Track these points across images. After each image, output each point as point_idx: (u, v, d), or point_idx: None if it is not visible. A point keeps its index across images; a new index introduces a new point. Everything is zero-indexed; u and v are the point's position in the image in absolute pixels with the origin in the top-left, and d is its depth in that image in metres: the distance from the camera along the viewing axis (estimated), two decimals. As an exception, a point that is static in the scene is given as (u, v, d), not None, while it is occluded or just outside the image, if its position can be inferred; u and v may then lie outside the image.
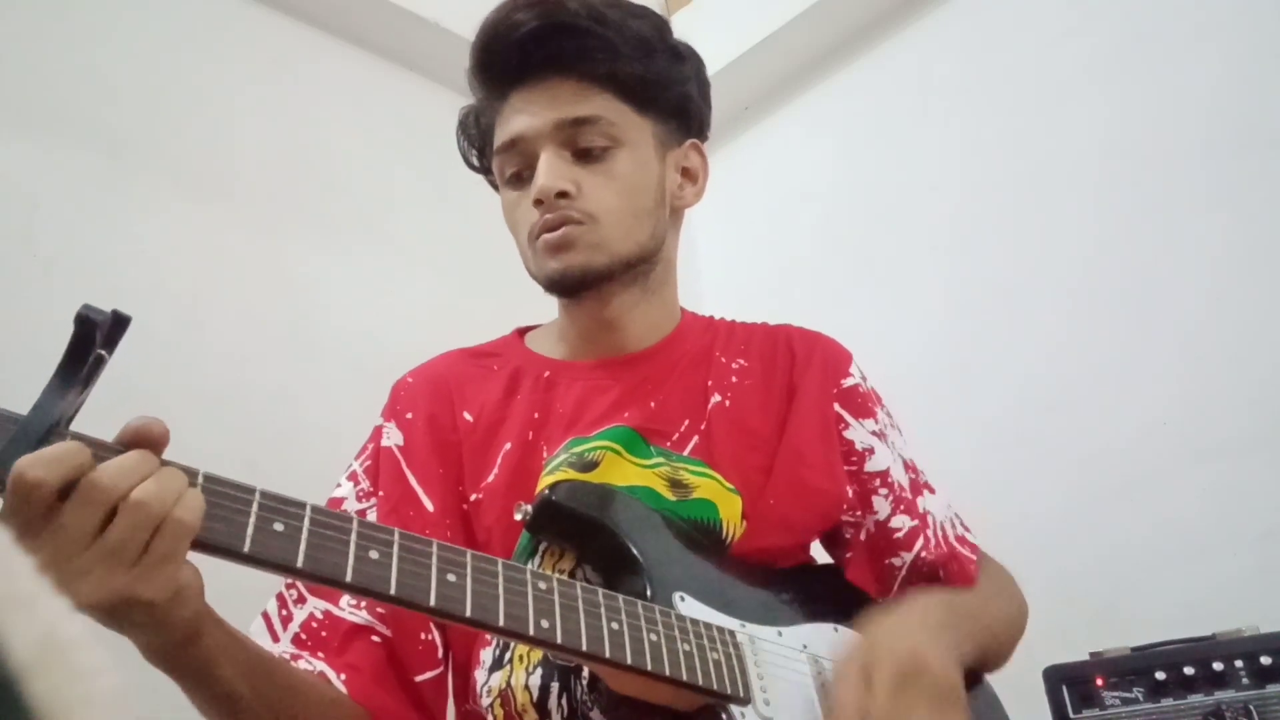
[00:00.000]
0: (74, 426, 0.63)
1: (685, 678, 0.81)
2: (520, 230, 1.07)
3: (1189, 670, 1.10)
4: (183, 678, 0.75)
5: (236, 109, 2.07)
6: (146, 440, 0.65)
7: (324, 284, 2.07)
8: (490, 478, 1.01)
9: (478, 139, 1.14)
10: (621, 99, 1.06)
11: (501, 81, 1.07)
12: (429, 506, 0.99)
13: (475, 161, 1.16)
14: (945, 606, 1.00)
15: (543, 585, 0.77)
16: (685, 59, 1.12)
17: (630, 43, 1.05)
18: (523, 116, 1.04)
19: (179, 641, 0.70)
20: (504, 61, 1.06)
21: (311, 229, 2.10)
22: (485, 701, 0.94)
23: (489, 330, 1.19)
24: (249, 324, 1.91)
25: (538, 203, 1.02)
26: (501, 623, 0.73)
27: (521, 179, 1.06)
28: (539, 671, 0.92)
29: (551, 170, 1.02)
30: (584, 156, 1.04)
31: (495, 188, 1.16)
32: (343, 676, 0.90)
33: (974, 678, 1.07)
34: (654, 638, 0.81)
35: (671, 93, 1.10)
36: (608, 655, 0.77)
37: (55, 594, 0.59)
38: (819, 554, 1.14)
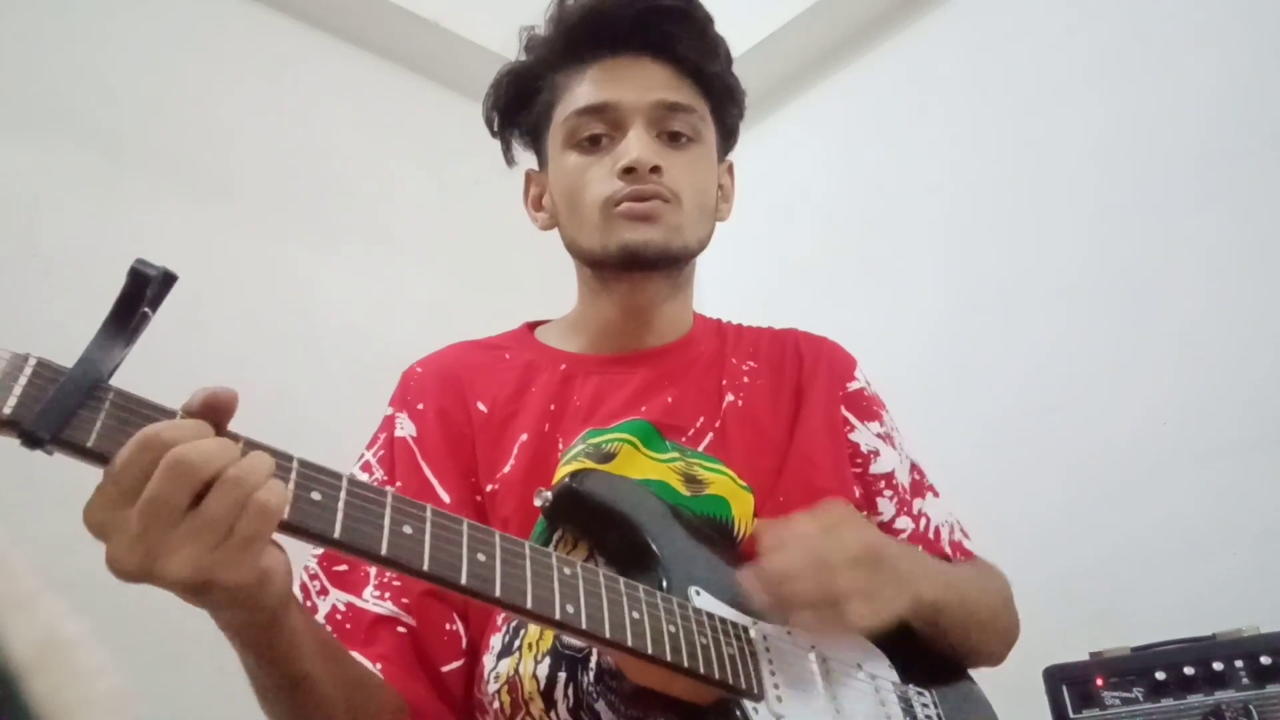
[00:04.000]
0: (115, 381, 0.63)
1: (703, 670, 0.81)
2: (588, 194, 1.05)
3: (1189, 670, 1.10)
4: (259, 658, 0.74)
5: (236, 109, 2.07)
6: (216, 406, 0.65)
7: (324, 284, 2.08)
8: (506, 469, 1.01)
9: (513, 101, 1.14)
10: (705, 99, 1.11)
11: (594, 46, 1.08)
12: (445, 498, 0.99)
13: (498, 124, 1.16)
14: (909, 546, 1.02)
15: (567, 570, 0.77)
16: (740, 86, 1.17)
17: (722, 51, 1.12)
18: (619, 86, 1.06)
19: (263, 623, 0.70)
20: (611, 28, 1.07)
21: (311, 229, 2.10)
22: (491, 688, 0.94)
23: (488, 329, 1.19)
24: (249, 324, 1.91)
25: (628, 171, 1.02)
26: (529, 605, 0.73)
27: (598, 144, 1.06)
28: (547, 660, 0.91)
29: (647, 145, 1.04)
30: (669, 142, 1.07)
31: (508, 160, 1.16)
32: (378, 666, 0.90)
33: (964, 676, 1.06)
34: (672, 629, 0.81)
35: (734, 110, 1.16)
36: (629, 644, 0.77)
37: (141, 575, 0.59)
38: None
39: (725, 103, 1.14)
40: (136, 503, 0.60)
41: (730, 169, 1.20)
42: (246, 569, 0.63)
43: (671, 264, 1.07)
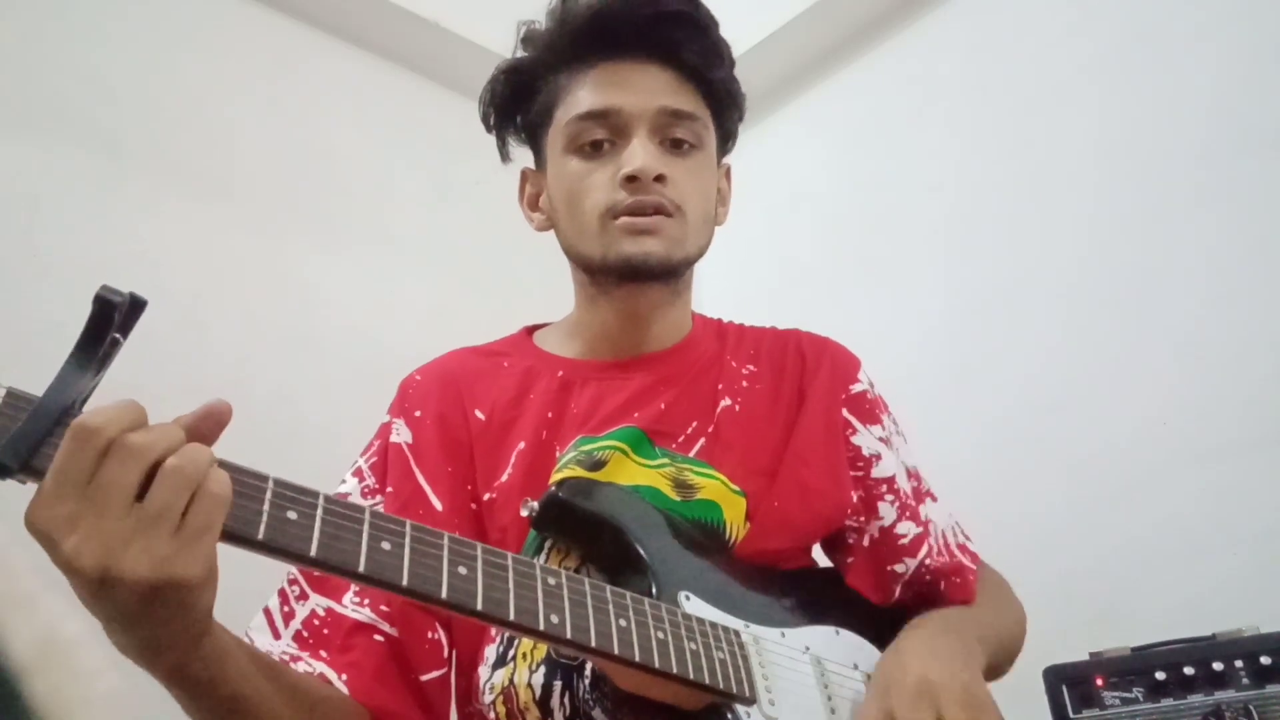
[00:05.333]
0: (88, 409, 0.63)
1: (692, 676, 0.81)
2: (587, 201, 1.04)
3: (1189, 670, 1.10)
4: (191, 684, 0.72)
5: (236, 109, 2.07)
6: (212, 417, 0.66)
7: (324, 284, 2.08)
8: (504, 477, 1.00)
9: (509, 98, 1.13)
10: (707, 105, 1.10)
11: (598, 49, 1.07)
12: (437, 506, 0.99)
13: (493, 120, 1.14)
14: (952, 626, 1.01)
15: (552, 580, 0.77)
16: (741, 90, 1.16)
17: (726, 56, 1.11)
18: (623, 91, 1.04)
19: (192, 641, 0.69)
20: (616, 31, 1.06)
21: (311, 229, 2.10)
22: (487, 699, 0.94)
23: (489, 330, 1.19)
24: (249, 324, 1.91)
25: (631, 180, 1.01)
26: (512, 616, 0.73)
27: (600, 150, 1.05)
28: (542, 669, 0.91)
29: (651, 153, 1.02)
30: (671, 149, 1.06)
31: (504, 156, 1.15)
32: (344, 676, 0.89)
33: None
34: (661, 635, 0.80)
35: (734, 114, 1.15)
36: (616, 652, 0.77)
37: (101, 572, 0.58)
38: (819, 558, 1.14)
39: (727, 108, 1.13)
40: (85, 491, 0.59)
41: (728, 173, 1.19)
42: (200, 561, 0.62)
43: (672, 274, 1.07)
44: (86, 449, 0.59)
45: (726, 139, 1.17)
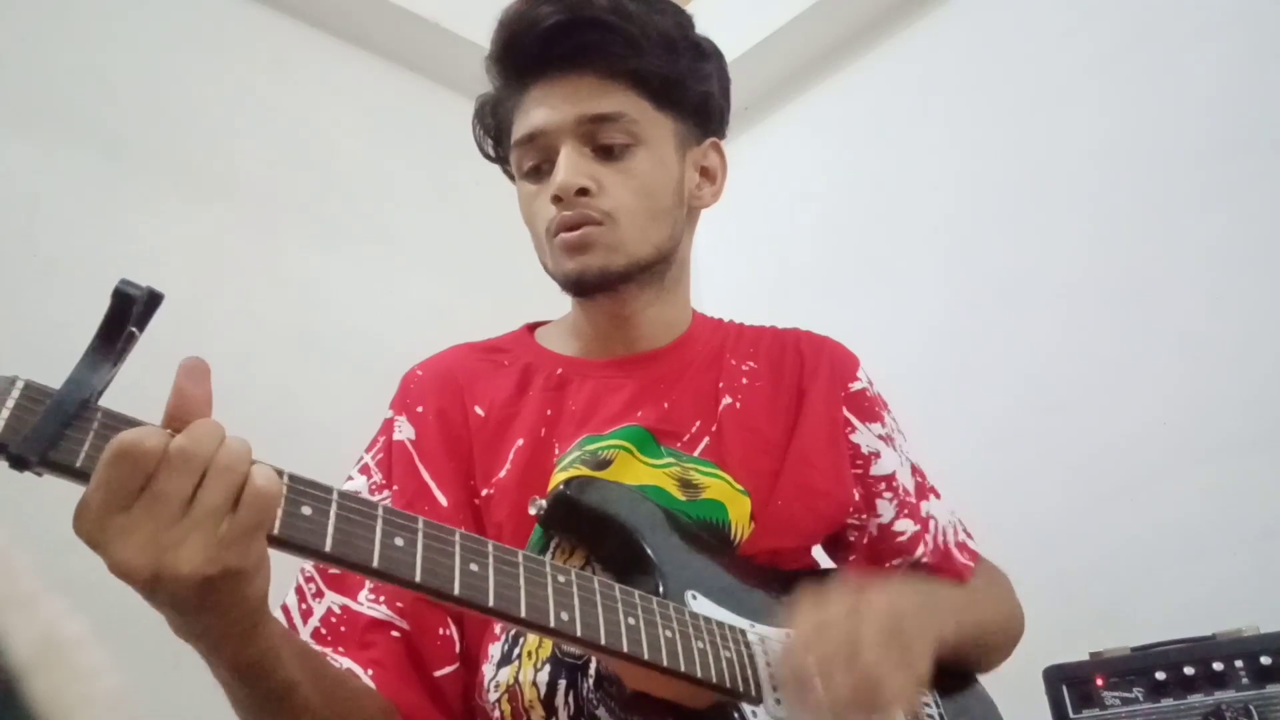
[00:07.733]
0: (103, 402, 0.63)
1: (700, 674, 0.81)
2: (537, 224, 1.06)
3: (1189, 670, 1.10)
4: (247, 671, 0.73)
5: (237, 109, 2.07)
6: (191, 405, 0.65)
7: (324, 284, 2.08)
8: (501, 473, 1.01)
9: (494, 128, 1.14)
10: (643, 96, 1.05)
11: (522, 73, 1.07)
12: (442, 501, 0.99)
13: (490, 151, 1.15)
14: (922, 586, 1.01)
15: (561, 578, 0.77)
16: (708, 57, 1.11)
17: (653, 39, 1.05)
18: (543, 110, 1.04)
19: (250, 627, 0.70)
20: (525, 53, 1.06)
21: (311, 229, 2.11)
22: (492, 697, 0.94)
23: (489, 330, 1.19)
24: (249, 324, 1.92)
25: (556, 199, 1.01)
26: (523, 614, 0.73)
27: (540, 172, 1.05)
28: (547, 668, 0.92)
29: (572, 167, 1.01)
30: (604, 154, 1.04)
31: (511, 177, 1.15)
32: (369, 672, 0.90)
33: (967, 677, 1.07)
34: (669, 634, 0.81)
35: (693, 91, 1.09)
36: (625, 650, 0.77)
37: (154, 571, 0.59)
38: (821, 559, 1.14)
39: (673, 90, 1.07)
40: (136, 503, 0.60)
41: (715, 148, 1.14)
42: (253, 552, 0.63)
43: (621, 281, 1.04)
44: (139, 465, 0.60)
45: (700, 116, 1.11)
